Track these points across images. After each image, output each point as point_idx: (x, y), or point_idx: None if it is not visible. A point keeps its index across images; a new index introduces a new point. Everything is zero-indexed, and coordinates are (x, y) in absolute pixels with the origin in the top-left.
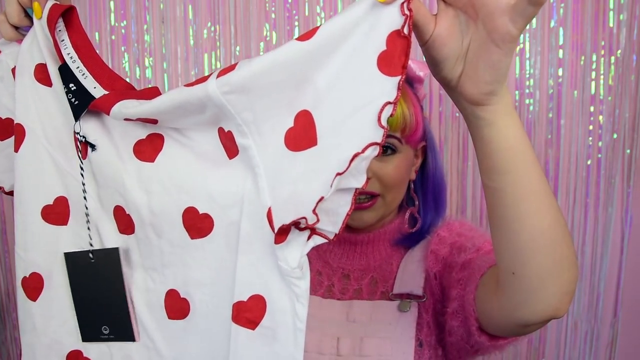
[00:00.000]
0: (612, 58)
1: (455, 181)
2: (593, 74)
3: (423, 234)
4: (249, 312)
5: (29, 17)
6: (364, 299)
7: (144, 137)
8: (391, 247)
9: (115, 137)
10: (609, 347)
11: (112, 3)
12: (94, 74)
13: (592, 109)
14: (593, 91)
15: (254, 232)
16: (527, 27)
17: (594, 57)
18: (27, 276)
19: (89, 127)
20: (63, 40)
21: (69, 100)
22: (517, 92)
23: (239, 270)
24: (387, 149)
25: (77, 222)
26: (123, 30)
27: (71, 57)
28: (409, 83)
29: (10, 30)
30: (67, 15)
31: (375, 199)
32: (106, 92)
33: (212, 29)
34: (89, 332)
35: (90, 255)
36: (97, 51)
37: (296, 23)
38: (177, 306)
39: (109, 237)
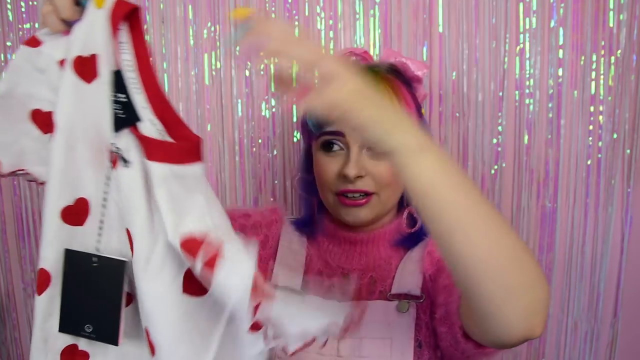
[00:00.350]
0: (612, 58)
1: None
2: (593, 74)
3: (422, 235)
4: None
5: (79, 6)
6: (363, 299)
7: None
8: (391, 247)
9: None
10: (609, 347)
11: None
12: (148, 92)
13: (592, 109)
14: (593, 91)
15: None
16: (527, 26)
17: (594, 57)
18: (38, 270)
19: (126, 142)
20: (122, 42)
21: (114, 109)
22: (517, 92)
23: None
24: None
25: (94, 224)
26: None
27: (129, 65)
28: (407, 83)
29: (58, 22)
30: (131, 17)
31: (370, 196)
32: (155, 120)
33: (212, 29)
34: (69, 326)
35: (94, 259)
36: None
37: (296, 23)
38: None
39: (116, 247)
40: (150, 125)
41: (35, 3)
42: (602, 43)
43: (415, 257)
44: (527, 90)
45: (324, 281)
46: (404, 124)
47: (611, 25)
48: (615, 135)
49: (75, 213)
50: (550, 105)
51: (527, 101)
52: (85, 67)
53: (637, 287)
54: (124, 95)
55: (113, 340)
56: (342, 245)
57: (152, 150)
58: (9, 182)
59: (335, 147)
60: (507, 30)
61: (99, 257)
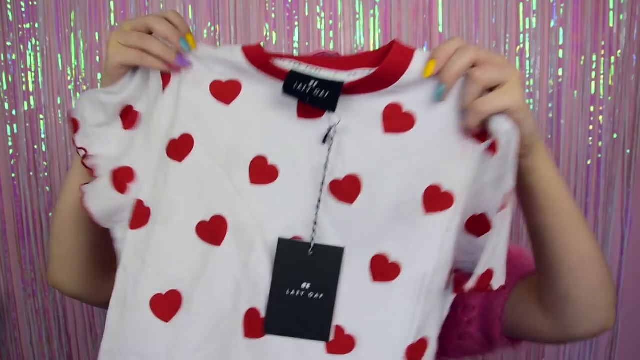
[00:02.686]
0: (612, 58)
1: None
2: (593, 74)
3: None
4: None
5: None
6: None
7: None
8: None
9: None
10: (609, 347)
11: (112, 3)
12: (330, 67)
13: (592, 109)
14: (593, 91)
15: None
16: (527, 26)
17: (594, 57)
18: (164, 294)
19: (347, 114)
20: (272, 59)
21: (316, 97)
22: None
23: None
24: None
25: (234, 244)
26: None
27: (295, 62)
28: None
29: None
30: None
31: None
32: (351, 72)
33: (212, 29)
34: (276, 325)
35: (311, 248)
36: (97, 51)
37: (296, 23)
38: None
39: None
40: (347, 77)
41: (35, 3)
42: (602, 43)
43: None
44: (527, 90)
45: None
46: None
47: (611, 25)
48: (615, 135)
49: (211, 230)
50: (550, 105)
51: (527, 101)
52: (223, 91)
53: (637, 287)
54: (314, 81)
55: (324, 336)
56: None
57: (376, 79)
58: (9, 182)
59: None
60: (507, 30)
61: (315, 245)
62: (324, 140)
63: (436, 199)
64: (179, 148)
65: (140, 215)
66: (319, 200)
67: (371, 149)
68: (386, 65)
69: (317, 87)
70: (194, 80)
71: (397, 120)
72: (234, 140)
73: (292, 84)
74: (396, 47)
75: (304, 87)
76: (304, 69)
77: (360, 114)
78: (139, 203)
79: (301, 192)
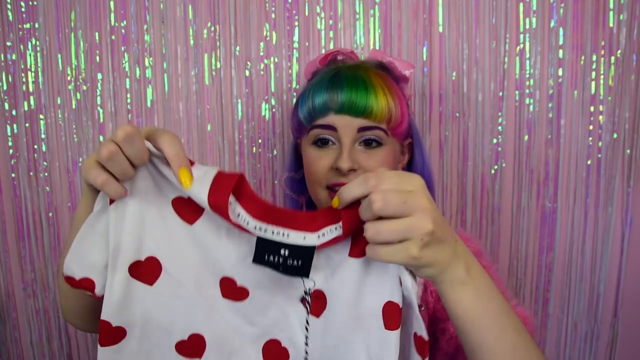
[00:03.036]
0: (612, 58)
1: (455, 181)
2: (593, 74)
3: None
4: None
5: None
6: None
7: None
8: None
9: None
10: (609, 347)
11: (112, 3)
12: (295, 227)
13: (592, 109)
14: (593, 91)
15: None
16: (527, 26)
17: (594, 57)
18: None
19: (322, 275)
20: (239, 215)
21: (290, 266)
22: (517, 92)
23: None
24: (372, 142)
25: (214, 355)
26: (123, 30)
27: (260, 228)
28: (395, 80)
29: (121, 188)
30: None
31: None
32: (320, 233)
33: (212, 29)
34: None
35: None
36: (97, 51)
37: (296, 23)
38: None
39: None
40: (317, 239)
41: (35, 3)
42: (602, 43)
43: None
44: (527, 90)
45: None
46: (457, 255)
47: (611, 25)
48: (615, 135)
49: (192, 346)
50: (550, 105)
51: (527, 101)
52: (185, 208)
53: (637, 287)
54: (284, 249)
55: None
56: None
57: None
58: (9, 182)
59: (329, 142)
60: (507, 30)
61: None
62: (302, 301)
63: (391, 316)
64: (147, 271)
65: (109, 334)
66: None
67: (341, 271)
68: (348, 226)
69: (289, 257)
70: (155, 194)
71: (360, 247)
72: (201, 259)
73: (263, 255)
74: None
75: (276, 259)
76: (271, 235)
77: (329, 259)
78: (105, 324)
79: (273, 304)
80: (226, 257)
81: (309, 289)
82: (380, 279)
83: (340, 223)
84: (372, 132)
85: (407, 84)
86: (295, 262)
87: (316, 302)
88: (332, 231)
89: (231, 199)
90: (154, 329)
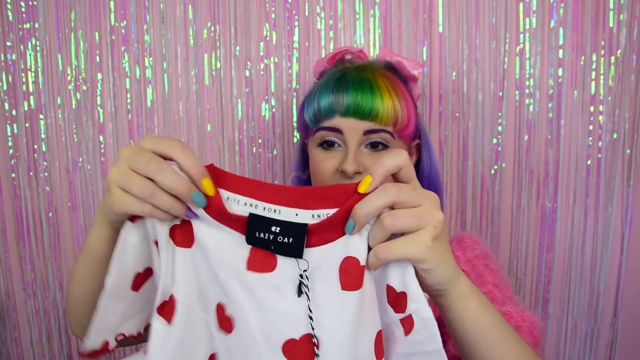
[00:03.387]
0: (612, 58)
1: (455, 181)
2: (593, 74)
3: None
4: None
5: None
6: None
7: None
8: None
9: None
10: (609, 347)
11: (112, 3)
12: (286, 203)
13: (592, 109)
14: (593, 91)
15: None
16: (527, 26)
17: (594, 57)
18: None
19: (314, 258)
20: (228, 198)
21: (281, 243)
22: (517, 92)
23: None
24: (378, 144)
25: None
26: (123, 30)
27: (251, 204)
28: (403, 81)
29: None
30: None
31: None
32: (315, 213)
33: (212, 29)
34: None
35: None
36: (97, 51)
37: (296, 23)
38: None
39: None
40: (314, 219)
41: (35, 3)
42: (602, 43)
43: None
44: (527, 90)
45: None
46: (458, 270)
47: (611, 25)
48: (615, 135)
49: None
50: (550, 105)
51: (527, 101)
52: (183, 236)
53: (637, 287)
54: (275, 226)
55: None
56: None
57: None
58: (9, 182)
59: (335, 144)
60: (507, 30)
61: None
62: (299, 293)
63: (380, 344)
64: (169, 309)
65: None
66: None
67: (331, 306)
68: (347, 207)
69: (280, 234)
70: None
71: (352, 278)
72: (201, 284)
73: (254, 232)
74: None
75: (267, 236)
76: (262, 211)
77: (319, 267)
78: None
79: (254, 350)
80: (217, 280)
81: (304, 270)
82: (372, 311)
83: (337, 210)
84: (378, 135)
85: (416, 84)
86: (286, 239)
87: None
88: (328, 214)
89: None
90: None
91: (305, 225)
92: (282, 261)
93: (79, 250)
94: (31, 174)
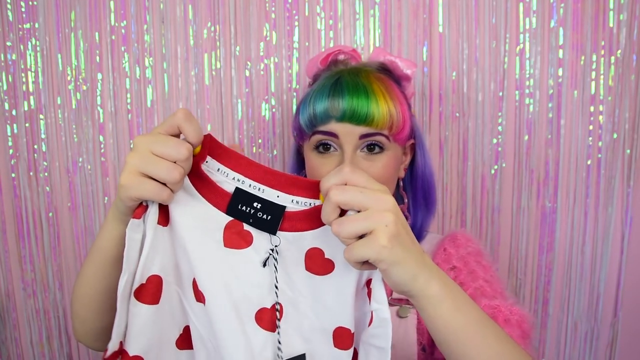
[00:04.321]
0: (612, 58)
1: (455, 181)
2: (593, 74)
3: (417, 234)
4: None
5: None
6: None
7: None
8: None
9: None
10: (609, 347)
11: (112, 3)
12: (271, 185)
13: (592, 109)
14: (593, 91)
15: None
16: (527, 26)
17: (594, 57)
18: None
19: (284, 241)
20: (219, 169)
21: (260, 218)
22: (517, 92)
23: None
24: (374, 147)
25: (201, 345)
26: (123, 30)
27: (238, 180)
28: (396, 81)
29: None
30: (205, 143)
31: None
32: (295, 199)
33: (212, 29)
34: None
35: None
36: (97, 51)
37: (296, 23)
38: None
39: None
40: (292, 204)
41: (35, 3)
42: (602, 43)
43: None
44: (527, 90)
45: None
46: (427, 266)
47: (611, 25)
48: (615, 135)
49: (185, 339)
50: (550, 105)
51: (527, 101)
52: (162, 216)
53: (637, 287)
54: (257, 202)
55: None
56: None
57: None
58: (9, 182)
59: (331, 148)
60: (507, 30)
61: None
62: (264, 264)
63: (342, 338)
64: (153, 290)
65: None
66: (278, 321)
67: (293, 282)
68: (319, 207)
69: (260, 210)
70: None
71: (316, 265)
72: (177, 259)
73: (237, 204)
74: None
75: (247, 209)
76: (247, 187)
77: (288, 249)
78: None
79: (224, 319)
80: (192, 256)
81: (275, 246)
82: (336, 301)
83: (319, 200)
84: (374, 139)
85: (410, 83)
86: (264, 216)
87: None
88: (307, 205)
89: (208, 158)
90: (162, 340)
91: (284, 207)
92: (257, 239)
93: (79, 250)
94: (31, 174)
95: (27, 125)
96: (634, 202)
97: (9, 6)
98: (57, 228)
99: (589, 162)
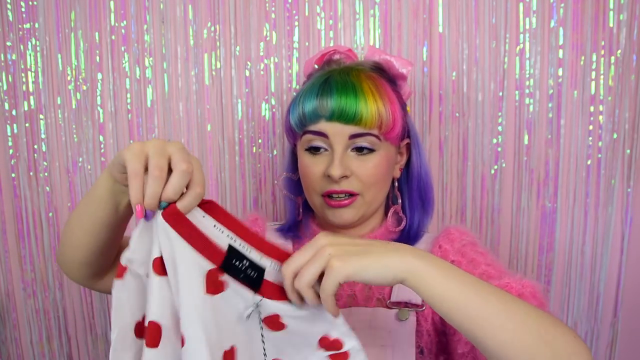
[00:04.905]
0: (612, 58)
1: (455, 181)
2: (593, 74)
3: (414, 235)
4: None
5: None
6: (360, 305)
7: None
8: None
9: None
10: (609, 347)
11: (112, 3)
12: (256, 247)
13: (592, 109)
14: (593, 91)
15: None
16: (527, 26)
17: (594, 57)
18: None
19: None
20: (215, 225)
21: (248, 275)
22: (517, 92)
23: None
24: (363, 149)
25: None
26: (123, 30)
27: (231, 238)
28: (391, 80)
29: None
30: (204, 205)
31: (355, 197)
32: (273, 262)
33: (212, 29)
34: None
35: None
36: (97, 51)
37: (296, 23)
38: None
39: None
40: (272, 270)
41: (35, 3)
42: (602, 43)
43: None
44: (527, 90)
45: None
46: (395, 252)
47: (611, 25)
48: (615, 135)
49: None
50: (550, 105)
51: (527, 101)
52: (161, 266)
53: (637, 287)
54: (246, 260)
55: None
56: None
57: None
58: (9, 182)
59: (321, 149)
60: (507, 30)
61: None
62: (249, 316)
63: None
64: (151, 335)
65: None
66: None
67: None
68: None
69: (249, 267)
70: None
71: (273, 324)
72: (172, 307)
73: (231, 260)
74: None
75: (240, 265)
76: (238, 246)
77: (260, 306)
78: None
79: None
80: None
81: (256, 303)
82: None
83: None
84: (364, 139)
85: (406, 82)
86: (252, 273)
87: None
88: (276, 269)
89: (205, 215)
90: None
91: (263, 270)
92: (231, 290)
93: None
94: (31, 174)
95: (27, 125)
96: (634, 202)
97: (9, 6)
98: (57, 228)
99: (589, 162)
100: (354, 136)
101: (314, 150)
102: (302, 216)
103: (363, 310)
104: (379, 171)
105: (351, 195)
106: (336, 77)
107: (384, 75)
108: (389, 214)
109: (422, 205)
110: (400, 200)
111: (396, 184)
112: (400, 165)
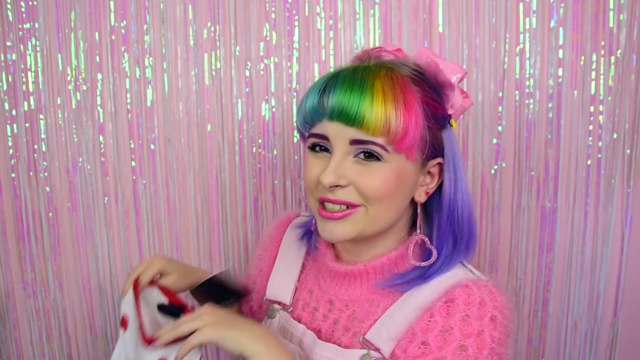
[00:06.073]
0: (612, 58)
1: None
2: (593, 74)
3: (436, 268)
4: None
5: None
6: (337, 334)
7: None
8: (383, 284)
9: None
10: (609, 347)
11: (112, 3)
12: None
13: (592, 109)
14: (593, 91)
15: None
16: (527, 26)
17: (594, 57)
18: None
19: None
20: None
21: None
22: (517, 92)
23: None
24: (369, 155)
25: None
26: (123, 30)
27: (163, 301)
28: (433, 88)
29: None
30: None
31: (355, 208)
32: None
33: (212, 29)
34: None
35: None
36: (97, 51)
37: (296, 23)
38: None
39: None
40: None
41: (35, 3)
42: (602, 43)
43: (414, 305)
44: (527, 90)
45: (309, 304)
46: (249, 335)
47: (611, 25)
48: (615, 135)
49: None
50: (550, 105)
51: (527, 101)
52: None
53: (637, 287)
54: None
55: None
56: (331, 273)
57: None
58: (9, 182)
59: (322, 148)
60: (507, 30)
61: None
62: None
63: None
64: None
65: None
66: None
67: None
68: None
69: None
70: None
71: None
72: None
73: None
74: None
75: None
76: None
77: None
78: None
79: None
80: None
81: None
82: None
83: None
84: (367, 147)
85: (454, 92)
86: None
87: None
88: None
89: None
90: None
91: (180, 310)
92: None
93: (78, 250)
94: (31, 174)
95: (27, 125)
96: (634, 202)
97: (9, 6)
98: (57, 228)
99: (589, 162)
100: (355, 142)
101: (318, 148)
102: (315, 225)
103: (327, 346)
104: (385, 185)
105: (350, 206)
106: (346, 73)
107: (426, 82)
108: (411, 244)
109: (453, 240)
110: (419, 231)
111: (419, 209)
112: (428, 189)
